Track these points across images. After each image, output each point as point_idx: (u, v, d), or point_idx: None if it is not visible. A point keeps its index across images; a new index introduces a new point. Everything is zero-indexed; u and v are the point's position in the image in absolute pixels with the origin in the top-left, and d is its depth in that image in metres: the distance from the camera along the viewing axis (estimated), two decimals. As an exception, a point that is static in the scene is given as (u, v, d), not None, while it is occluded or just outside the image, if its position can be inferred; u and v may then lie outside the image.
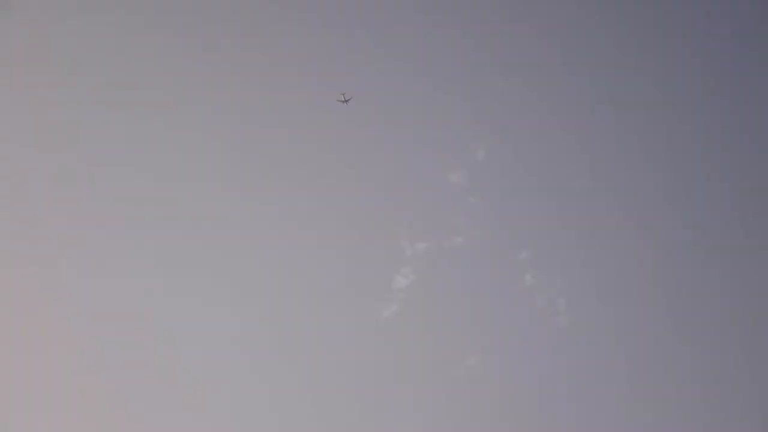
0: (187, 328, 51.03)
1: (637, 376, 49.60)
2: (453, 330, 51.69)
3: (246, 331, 51.34)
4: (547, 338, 51.14)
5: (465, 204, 54.65)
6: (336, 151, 55.42)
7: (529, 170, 55.37)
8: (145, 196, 53.50)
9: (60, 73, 54.34)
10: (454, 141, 55.99)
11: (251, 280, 52.94)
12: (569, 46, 56.64)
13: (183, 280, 52.50)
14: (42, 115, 53.73)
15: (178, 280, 52.43)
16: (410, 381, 50.26)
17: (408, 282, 52.52)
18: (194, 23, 55.70)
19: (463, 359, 50.63)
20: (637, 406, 48.81)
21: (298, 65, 56.98)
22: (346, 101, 51.96)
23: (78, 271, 51.41)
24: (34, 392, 47.35)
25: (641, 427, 47.97)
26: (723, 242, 52.15)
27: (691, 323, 50.49)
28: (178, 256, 53.07)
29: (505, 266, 53.23)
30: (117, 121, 54.52)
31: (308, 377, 50.26)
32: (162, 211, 53.80)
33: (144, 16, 55.41)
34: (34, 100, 53.63)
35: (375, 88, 56.55)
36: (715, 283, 51.34)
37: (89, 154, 53.87)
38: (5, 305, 49.28)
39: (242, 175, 55.17)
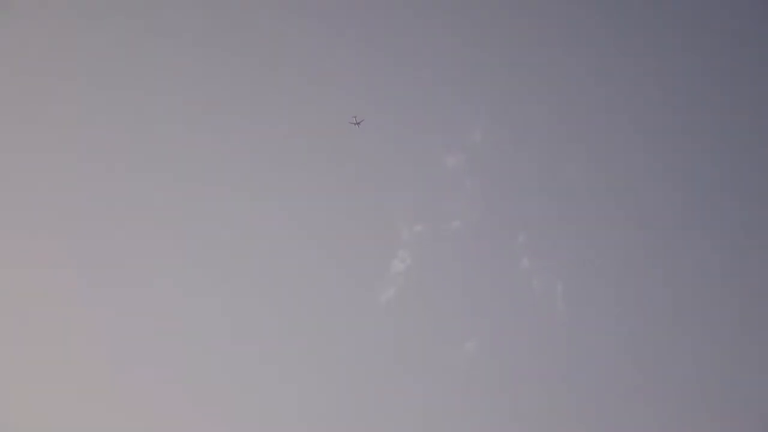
0: (184, 313, 50.97)
1: (633, 361, 49.96)
2: (450, 314, 51.80)
3: (244, 317, 51.33)
4: (543, 321, 51.34)
5: (462, 188, 54.53)
6: (332, 136, 55.07)
7: (526, 154, 55.31)
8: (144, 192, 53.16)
9: (66, 73, 53.78)
10: (451, 124, 55.76)
11: (249, 266, 52.83)
12: (568, 29, 56.34)
13: (182, 264, 52.34)
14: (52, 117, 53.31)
15: (177, 261, 52.26)
16: (408, 364, 50.40)
17: (405, 266, 52.51)
18: (201, 31, 55.34)
19: (461, 343, 50.84)
20: (633, 390, 49.22)
21: (292, 45, 56.39)
22: (358, 123, 52.31)
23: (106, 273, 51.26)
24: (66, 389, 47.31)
25: (638, 409, 48.39)
26: (723, 228, 52.37)
27: (689, 307, 50.83)
28: (180, 241, 52.88)
29: (502, 250, 53.29)
30: (131, 124, 54.22)
31: (306, 362, 50.35)
32: (155, 189, 53.51)
33: (155, 24, 55.01)
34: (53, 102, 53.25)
35: (371, 72, 56.14)
36: (715, 267, 51.62)
37: (109, 155, 53.52)
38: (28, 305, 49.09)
39: (239, 162, 54.83)
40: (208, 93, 55.63)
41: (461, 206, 54.04)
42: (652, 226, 52.98)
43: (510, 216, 53.89)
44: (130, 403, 47.32)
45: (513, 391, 49.21)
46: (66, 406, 46.67)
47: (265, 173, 55.43)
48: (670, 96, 55.26)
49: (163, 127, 54.61)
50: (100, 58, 54.81)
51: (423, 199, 54.32)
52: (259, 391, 49.06)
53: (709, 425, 46.48)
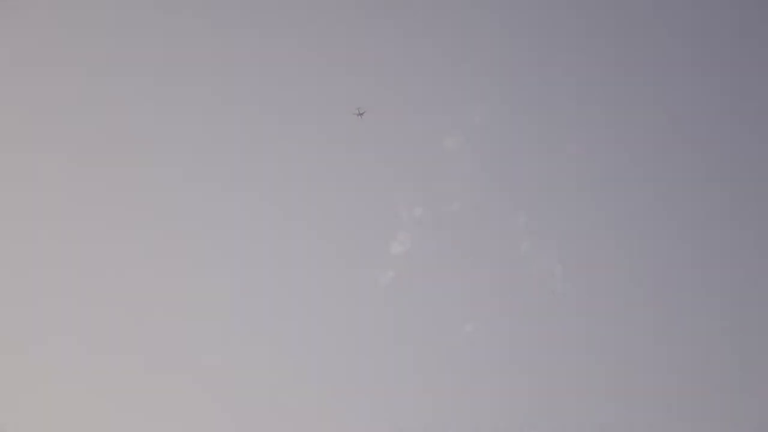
0: (183, 293, 50.71)
1: (633, 343, 49.93)
2: (450, 296, 51.61)
3: (241, 301, 51.10)
4: (543, 304, 51.21)
5: (462, 169, 54.14)
6: (330, 117, 54.63)
7: (527, 135, 54.89)
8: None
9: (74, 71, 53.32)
10: (450, 104, 55.26)
11: (247, 248, 52.53)
12: (569, 7, 55.73)
13: (179, 246, 52.02)
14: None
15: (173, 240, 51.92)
16: (408, 347, 50.27)
17: (404, 248, 52.21)
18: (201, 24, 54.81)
19: (462, 326, 50.68)
20: (632, 370, 49.23)
21: (290, 27, 55.83)
22: (361, 114, 52.09)
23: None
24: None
25: (637, 388, 48.38)
26: (724, 210, 52.20)
27: (693, 289, 50.72)
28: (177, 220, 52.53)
29: (502, 232, 53.00)
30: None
31: (305, 346, 50.17)
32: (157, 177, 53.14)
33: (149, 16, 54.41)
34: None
35: (369, 51, 55.57)
36: (715, 249, 51.51)
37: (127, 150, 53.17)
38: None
39: (234, 146, 54.43)
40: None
41: (461, 188, 53.73)
42: (655, 208, 52.79)
43: (510, 198, 53.63)
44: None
45: (513, 373, 49.22)
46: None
47: (260, 158, 54.96)
48: (676, 77, 54.85)
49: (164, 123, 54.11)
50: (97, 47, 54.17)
51: (422, 181, 53.97)
52: (254, 374, 49.00)
53: (711, 406, 46.57)
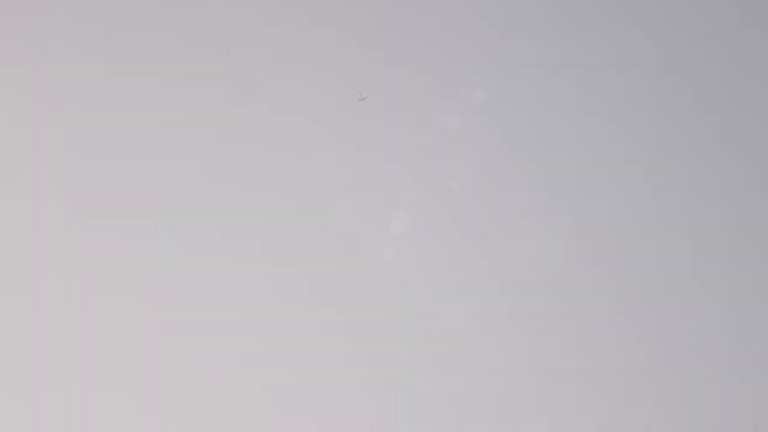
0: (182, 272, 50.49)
1: (635, 321, 49.71)
2: (450, 275, 51.31)
3: (241, 284, 50.85)
4: (543, 283, 50.94)
5: (461, 149, 53.80)
6: (327, 95, 54.32)
7: (527, 114, 54.52)
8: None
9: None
10: (450, 82, 54.85)
11: (244, 228, 52.29)
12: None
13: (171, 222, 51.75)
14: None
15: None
16: (407, 326, 50.01)
17: (404, 228, 51.91)
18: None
19: (461, 305, 50.40)
20: (634, 350, 49.02)
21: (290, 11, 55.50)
22: (363, 99, 52.08)
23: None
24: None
25: (638, 367, 48.20)
26: (726, 180, 51.84)
27: (694, 269, 50.51)
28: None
29: (501, 211, 52.64)
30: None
31: (305, 327, 49.96)
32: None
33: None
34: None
35: (366, 29, 55.17)
36: (717, 222, 51.18)
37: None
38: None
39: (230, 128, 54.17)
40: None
41: (460, 167, 53.36)
42: (657, 187, 52.42)
43: (510, 177, 53.24)
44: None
45: (513, 350, 49.04)
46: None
47: (258, 139, 54.67)
48: (680, 52, 54.47)
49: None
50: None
51: (421, 161, 53.59)
52: (258, 354, 48.82)
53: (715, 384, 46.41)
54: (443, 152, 53.67)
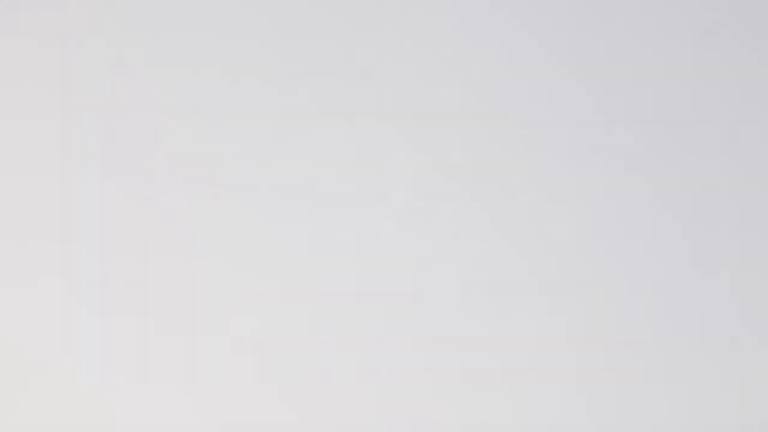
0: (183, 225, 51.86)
1: (635, 282, 49.40)
2: (448, 249, 51.78)
3: (241, 264, 51.98)
4: (545, 257, 51.12)
5: (461, 117, 53.78)
6: (327, 61, 54.49)
7: (528, 87, 53.75)
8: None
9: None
10: (446, 52, 54.59)
11: (243, 208, 53.28)
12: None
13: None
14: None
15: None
16: (407, 301, 50.78)
17: (403, 201, 52.33)
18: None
19: (460, 268, 50.75)
20: (632, 313, 49.07)
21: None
22: (365, 79, 52.83)
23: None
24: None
25: (637, 329, 48.25)
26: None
27: (696, 232, 49.62)
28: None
29: (503, 185, 52.51)
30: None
31: (304, 307, 50.88)
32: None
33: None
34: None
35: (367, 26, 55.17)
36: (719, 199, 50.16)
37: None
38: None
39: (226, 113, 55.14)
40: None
41: (460, 139, 53.44)
42: (661, 169, 51.68)
43: (511, 150, 53.03)
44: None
45: (514, 317, 49.37)
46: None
47: (253, 111, 55.50)
48: (686, 26, 53.03)
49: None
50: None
51: (420, 132, 53.79)
52: (255, 333, 50.10)
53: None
54: (442, 124, 53.99)
